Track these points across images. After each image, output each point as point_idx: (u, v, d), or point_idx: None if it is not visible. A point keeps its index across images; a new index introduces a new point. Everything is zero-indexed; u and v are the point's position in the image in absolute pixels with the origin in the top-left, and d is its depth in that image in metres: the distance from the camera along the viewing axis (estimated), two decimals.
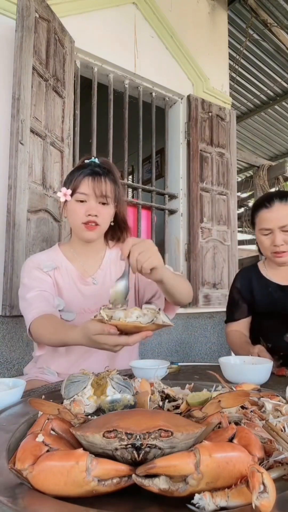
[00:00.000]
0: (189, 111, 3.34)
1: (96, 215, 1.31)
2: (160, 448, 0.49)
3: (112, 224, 1.41)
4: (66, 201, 1.35)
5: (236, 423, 0.61)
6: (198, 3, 3.57)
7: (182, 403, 0.76)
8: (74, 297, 1.36)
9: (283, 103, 5.26)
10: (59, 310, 1.33)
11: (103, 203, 1.32)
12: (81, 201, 1.31)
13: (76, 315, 1.33)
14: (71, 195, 1.32)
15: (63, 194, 1.32)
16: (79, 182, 1.30)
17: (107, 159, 1.46)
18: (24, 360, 2.13)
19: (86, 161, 1.39)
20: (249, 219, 1.56)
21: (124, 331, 0.90)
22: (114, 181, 1.35)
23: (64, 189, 1.33)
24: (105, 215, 1.34)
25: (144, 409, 0.71)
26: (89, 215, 1.30)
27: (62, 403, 0.75)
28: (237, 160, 4.20)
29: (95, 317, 0.92)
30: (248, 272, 1.68)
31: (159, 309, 0.91)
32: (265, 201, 1.49)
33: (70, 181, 1.33)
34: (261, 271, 1.65)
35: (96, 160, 1.38)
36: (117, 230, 1.47)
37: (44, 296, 1.28)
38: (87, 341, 0.98)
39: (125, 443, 0.49)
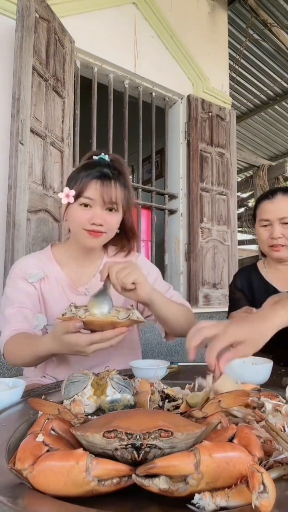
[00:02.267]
0: (189, 111, 3.35)
1: (101, 224, 1.16)
2: (160, 448, 0.49)
3: (118, 231, 1.25)
4: (68, 203, 1.19)
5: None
6: (198, 3, 3.57)
7: (182, 403, 0.76)
8: (64, 308, 1.21)
9: (283, 103, 5.27)
10: (46, 325, 1.22)
11: (110, 209, 1.18)
12: (86, 206, 1.16)
13: None
14: (76, 197, 1.16)
15: (66, 195, 1.16)
16: (85, 184, 1.15)
17: (119, 157, 1.29)
18: None
19: (95, 157, 1.23)
20: (250, 217, 1.57)
21: (95, 330, 0.86)
22: (125, 185, 1.21)
23: (67, 190, 1.17)
24: (112, 223, 1.19)
25: (144, 409, 0.71)
26: (93, 223, 1.15)
27: (62, 403, 0.75)
28: (237, 160, 4.20)
29: (63, 315, 0.86)
30: (248, 272, 1.64)
31: (132, 306, 0.93)
32: (268, 193, 1.49)
33: (75, 182, 1.17)
34: (260, 271, 1.59)
35: (106, 158, 1.23)
36: (123, 238, 1.32)
37: (23, 313, 1.18)
38: (59, 345, 0.92)
39: (125, 443, 0.49)
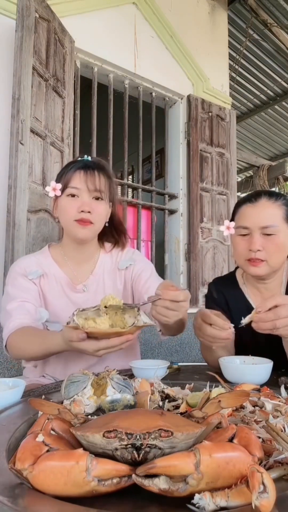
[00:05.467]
0: (189, 111, 3.35)
1: (89, 212, 1.20)
2: (160, 448, 0.49)
3: (106, 225, 1.30)
4: (56, 198, 1.24)
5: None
6: (198, 3, 3.57)
7: (182, 403, 0.76)
8: (63, 306, 1.24)
9: (283, 103, 5.27)
10: (46, 321, 1.24)
11: (97, 198, 1.22)
12: (73, 196, 1.21)
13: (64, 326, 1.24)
14: (62, 191, 1.22)
15: (52, 188, 1.20)
16: (70, 176, 1.21)
17: (100, 159, 1.37)
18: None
19: (79, 159, 1.31)
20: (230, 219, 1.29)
21: (101, 338, 0.90)
22: (109, 177, 1.26)
23: (53, 183, 1.21)
24: (100, 212, 1.23)
25: (144, 409, 0.71)
26: (81, 211, 1.19)
27: (62, 403, 0.75)
28: (237, 160, 4.20)
29: (68, 324, 0.90)
30: (224, 284, 1.39)
31: (138, 309, 0.91)
32: (251, 197, 1.24)
33: (61, 176, 1.24)
34: (240, 286, 1.34)
35: (89, 158, 1.30)
36: (113, 233, 1.37)
37: (25, 307, 1.20)
38: (69, 347, 0.97)
39: (125, 443, 0.49)
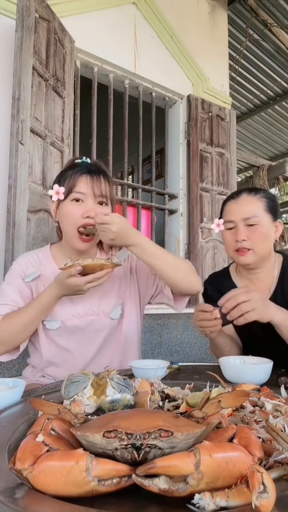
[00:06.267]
0: (189, 111, 3.35)
1: (94, 217, 1.19)
2: (160, 448, 0.49)
3: None
4: (58, 202, 1.22)
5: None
6: (198, 3, 3.57)
7: (182, 403, 0.76)
8: (61, 305, 1.25)
9: (283, 103, 5.26)
10: (43, 320, 1.26)
11: (101, 203, 1.22)
12: (77, 201, 1.19)
13: (61, 323, 1.25)
14: (66, 195, 1.20)
15: (56, 192, 1.19)
16: (76, 180, 1.19)
17: (99, 161, 1.36)
18: (24, 360, 2.12)
19: (77, 161, 1.29)
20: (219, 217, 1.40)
21: (88, 273, 1.10)
22: (110, 180, 1.27)
23: (56, 187, 1.19)
24: None
25: (144, 409, 0.71)
26: (87, 217, 1.18)
27: (62, 403, 0.75)
28: (237, 160, 4.20)
29: (65, 265, 1.09)
30: (219, 279, 1.49)
31: (111, 254, 1.18)
32: (234, 194, 1.38)
33: (64, 179, 1.22)
34: (233, 279, 1.44)
35: (88, 160, 1.29)
36: None
37: (10, 309, 1.23)
38: (62, 289, 1.13)
39: (125, 443, 0.49)
